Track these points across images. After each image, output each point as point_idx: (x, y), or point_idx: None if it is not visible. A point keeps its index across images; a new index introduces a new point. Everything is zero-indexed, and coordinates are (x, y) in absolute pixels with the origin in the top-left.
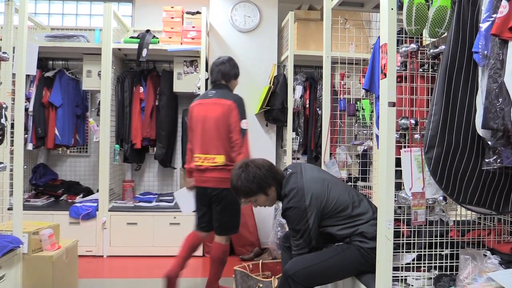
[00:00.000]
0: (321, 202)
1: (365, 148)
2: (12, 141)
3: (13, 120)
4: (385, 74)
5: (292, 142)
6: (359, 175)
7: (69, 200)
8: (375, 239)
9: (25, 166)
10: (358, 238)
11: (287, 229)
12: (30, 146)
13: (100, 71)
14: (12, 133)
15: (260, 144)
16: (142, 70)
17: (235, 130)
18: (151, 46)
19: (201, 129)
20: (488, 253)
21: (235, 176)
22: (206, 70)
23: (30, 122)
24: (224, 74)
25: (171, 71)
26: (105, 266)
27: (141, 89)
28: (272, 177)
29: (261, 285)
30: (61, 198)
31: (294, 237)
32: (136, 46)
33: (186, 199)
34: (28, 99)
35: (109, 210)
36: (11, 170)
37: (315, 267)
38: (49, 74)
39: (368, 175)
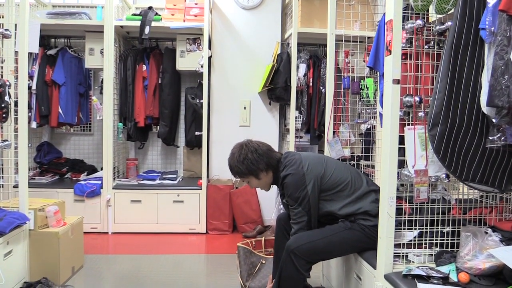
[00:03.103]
0: (319, 172)
1: (369, 127)
2: (16, 119)
3: (17, 98)
4: (390, 51)
5: (295, 120)
6: (362, 153)
7: (74, 178)
8: (378, 217)
9: (29, 145)
10: (361, 217)
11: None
12: (34, 125)
13: (102, 49)
14: (16, 111)
15: (263, 123)
16: (145, 48)
17: None
18: (153, 24)
19: None
20: (489, 230)
21: (230, 155)
22: (209, 48)
23: (34, 101)
24: None
25: (173, 49)
26: (110, 243)
27: (144, 67)
28: (265, 162)
29: (264, 262)
30: (66, 176)
31: (292, 206)
32: (138, 23)
33: None
34: (31, 77)
35: (113, 188)
36: (16, 148)
37: (318, 243)
38: (52, 52)
39: (371, 153)
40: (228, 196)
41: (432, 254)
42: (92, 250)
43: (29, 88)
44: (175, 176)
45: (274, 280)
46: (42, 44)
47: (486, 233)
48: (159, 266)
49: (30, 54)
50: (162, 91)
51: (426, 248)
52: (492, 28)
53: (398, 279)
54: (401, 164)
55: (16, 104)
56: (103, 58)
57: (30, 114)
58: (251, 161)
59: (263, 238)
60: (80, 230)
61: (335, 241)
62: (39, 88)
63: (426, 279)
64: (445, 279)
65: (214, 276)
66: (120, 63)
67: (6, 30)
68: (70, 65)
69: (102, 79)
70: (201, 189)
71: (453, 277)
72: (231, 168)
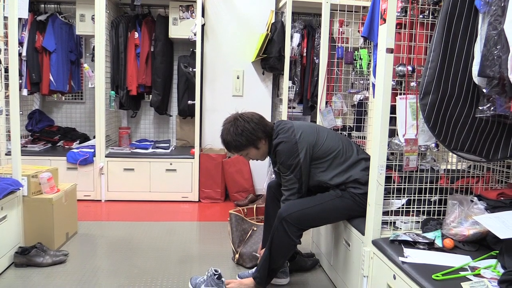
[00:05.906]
0: (311, 140)
1: (361, 97)
2: (6, 85)
3: (7, 65)
4: (384, 20)
5: (289, 91)
6: (354, 123)
7: (66, 146)
8: (368, 185)
9: (21, 112)
10: (352, 185)
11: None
12: (24, 92)
13: (93, 15)
14: (6, 77)
15: (256, 93)
16: (137, 15)
17: None
18: None
19: None
20: (475, 199)
21: (224, 131)
22: (203, 16)
23: (24, 68)
24: None
25: (166, 16)
26: (104, 210)
27: (136, 35)
28: (262, 130)
29: (255, 229)
30: (58, 144)
31: (284, 173)
32: None
33: None
34: (20, 43)
35: (106, 156)
36: (7, 115)
37: (309, 210)
38: (42, 18)
39: (363, 123)
40: (221, 165)
41: (419, 222)
42: (85, 217)
43: (19, 54)
44: (167, 145)
45: (265, 247)
46: (31, 10)
47: (472, 201)
48: (152, 232)
49: (19, 19)
50: (155, 59)
51: (413, 216)
52: None
53: (385, 244)
54: (392, 133)
55: (6, 70)
56: (94, 25)
57: (20, 81)
58: (250, 131)
59: (254, 206)
60: (74, 197)
61: (325, 208)
62: (29, 55)
63: (412, 244)
64: (430, 245)
65: (207, 243)
66: (111, 30)
67: None
68: (60, 32)
69: (94, 46)
70: (193, 158)
71: (438, 242)
72: (228, 144)
